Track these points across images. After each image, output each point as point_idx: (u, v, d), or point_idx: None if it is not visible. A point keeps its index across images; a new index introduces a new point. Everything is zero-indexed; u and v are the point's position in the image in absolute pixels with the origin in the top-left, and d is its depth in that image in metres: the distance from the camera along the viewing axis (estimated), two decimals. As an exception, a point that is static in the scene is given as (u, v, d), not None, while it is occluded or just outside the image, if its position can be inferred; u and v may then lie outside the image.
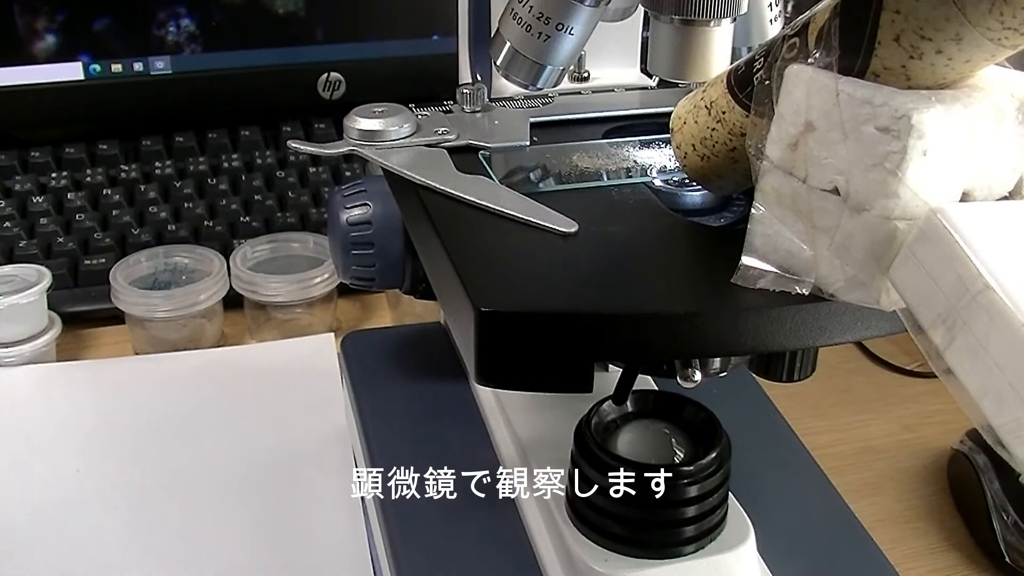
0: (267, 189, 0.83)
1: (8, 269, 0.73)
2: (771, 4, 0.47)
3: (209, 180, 0.83)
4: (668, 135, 0.46)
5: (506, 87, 0.54)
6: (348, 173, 0.84)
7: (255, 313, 0.74)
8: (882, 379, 0.72)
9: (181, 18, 0.84)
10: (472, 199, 0.40)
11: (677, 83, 0.45)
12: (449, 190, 0.41)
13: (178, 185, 0.83)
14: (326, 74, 0.87)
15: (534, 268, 0.37)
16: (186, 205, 0.81)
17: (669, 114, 0.49)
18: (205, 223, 0.80)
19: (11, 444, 0.65)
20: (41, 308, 0.71)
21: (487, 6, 0.57)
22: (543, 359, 0.35)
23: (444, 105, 0.50)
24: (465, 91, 0.49)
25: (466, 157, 0.45)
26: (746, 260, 0.36)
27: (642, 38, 0.55)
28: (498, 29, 0.46)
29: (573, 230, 0.38)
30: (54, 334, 0.71)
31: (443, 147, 0.45)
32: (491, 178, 0.43)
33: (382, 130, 0.46)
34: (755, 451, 0.49)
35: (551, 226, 0.38)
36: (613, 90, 0.53)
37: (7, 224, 0.79)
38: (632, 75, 0.55)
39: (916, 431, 0.67)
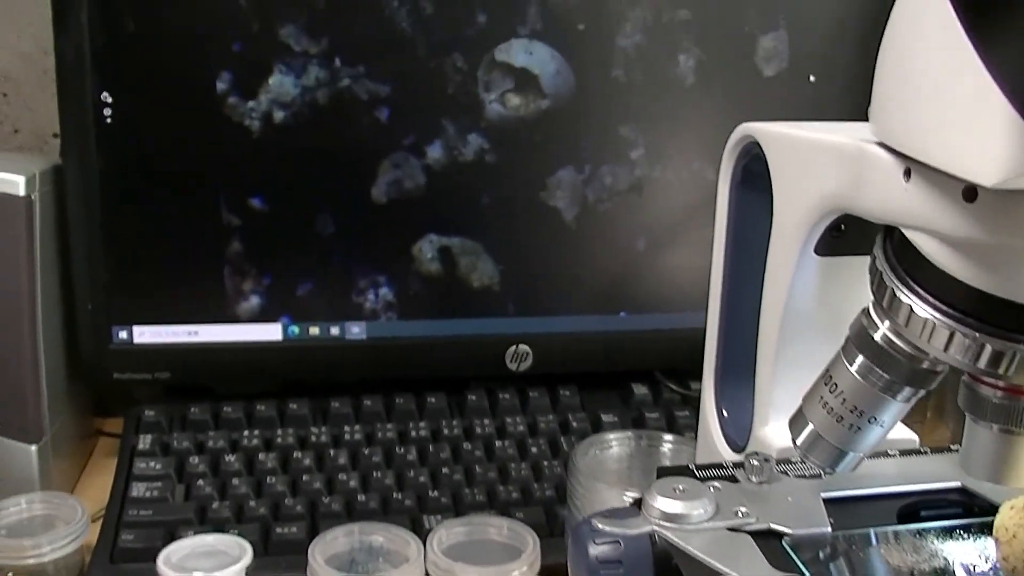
0: (454, 462, 0.83)
1: (211, 539, 0.73)
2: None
3: (397, 449, 0.84)
4: (965, 517, 0.46)
5: (766, 437, 0.54)
6: (535, 449, 0.84)
7: (446, 597, 0.74)
8: None
9: (380, 287, 0.86)
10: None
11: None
12: (773, 594, 0.41)
13: (367, 452, 0.83)
14: (514, 346, 0.88)
15: None
16: (375, 474, 0.81)
17: (958, 489, 0.49)
18: (394, 495, 0.80)
19: None
20: (241, 584, 0.71)
21: (734, 346, 0.58)
22: None
23: (725, 468, 0.50)
24: (754, 462, 0.49)
25: (768, 542, 0.45)
26: None
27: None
28: (801, 410, 0.46)
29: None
30: (250, 610, 0.71)
31: (745, 531, 0.45)
32: (809, 578, 0.42)
33: (685, 514, 0.46)
34: None
35: (894, 655, 0.38)
36: (887, 452, 0.53)
37: (200, 483, 0.80)
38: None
39: None
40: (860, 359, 0.44)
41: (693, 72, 0.86)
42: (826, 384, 0.45)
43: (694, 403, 0.89)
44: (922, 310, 0.41)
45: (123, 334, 0.85)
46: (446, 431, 0.86)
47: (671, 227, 0.88)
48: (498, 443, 0.85)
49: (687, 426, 0.87)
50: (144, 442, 0.84)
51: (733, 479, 0.50)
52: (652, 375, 0.92)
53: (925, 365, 0.43)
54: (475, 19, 0.83)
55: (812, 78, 0.87)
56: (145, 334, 0.85)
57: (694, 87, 0.86)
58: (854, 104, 0.85)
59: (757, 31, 0.86)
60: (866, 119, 0.85)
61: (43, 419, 0.81)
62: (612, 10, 0.84)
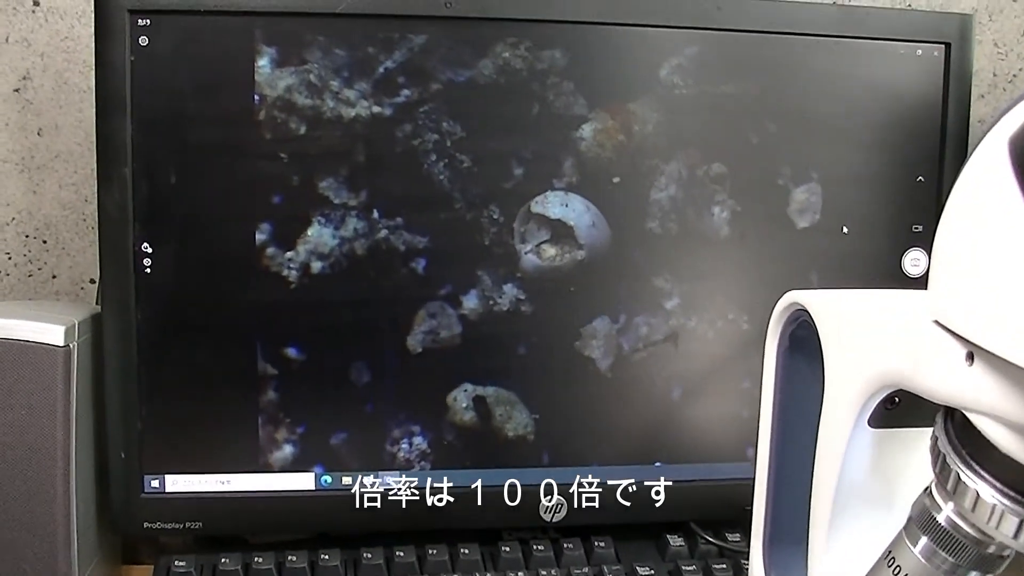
0: (488, 619, 0.82)
1: None
2: None
3: (430, 603, 0.82)
4: None
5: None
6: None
7: None
8: None
9: (414, 436, 0.86)
10: None
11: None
12: None
13: (400, 607, 0.82)
14: (549, 497, 0.87)
15: None
16: (408, 631, 0.80)
17: None
18: (427, 653, 0.78)
19: None
20: None
21: (784, 512, 0.57)
22: None
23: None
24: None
25: None
26: None
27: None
28: (862, 589, 0.45)
29: None
30: None
31: None
32: None
33: None
34: None
35: None
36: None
37: (226, 640, 0.79)
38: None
39: None
40: (924, 541, 0.43)
41: (727, 224, 0.87)
42: (889, 565, 0.44)
43: (731, 555, 0.88)
44: (990, 496, 0.40)
45: (155, 483, 0.85)
46: (480, 585, 0.85)
47: (706, 377, 0.88)
48: (535, 594, 0.84)
49: (724, 579, 0.86)
50: (174, 594, 0.83)
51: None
52: (687, 526, 0.91)
53: (992, 549, 0.42)
54: (511, 172, 0.84)
55: (845, 230, 0.88)
56: (177, 483, 0.85)
57: (728, 238, 0.87)
58: (887, 255, 0.87)
59: (791, 184, 0.87)
60: (900, 270, 0.86)
61: (73, 571, 0.79)
62: (647, 164, 0.85)
